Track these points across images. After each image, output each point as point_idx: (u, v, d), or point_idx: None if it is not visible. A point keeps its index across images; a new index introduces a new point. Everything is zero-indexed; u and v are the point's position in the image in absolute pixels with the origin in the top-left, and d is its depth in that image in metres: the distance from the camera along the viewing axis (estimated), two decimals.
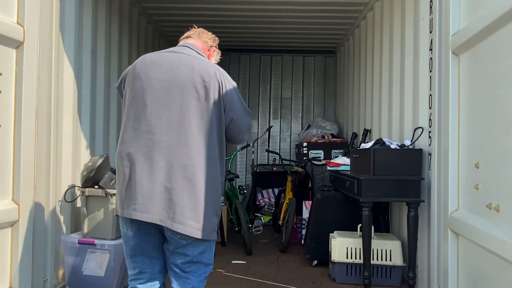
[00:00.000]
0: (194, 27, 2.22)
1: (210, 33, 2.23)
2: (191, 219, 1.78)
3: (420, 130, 3.14)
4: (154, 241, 1.88)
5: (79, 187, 3.27)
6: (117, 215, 1.91)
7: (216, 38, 2.25)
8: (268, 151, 5.92)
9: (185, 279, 1.88)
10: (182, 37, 2.19)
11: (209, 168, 1.85)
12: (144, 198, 1.78)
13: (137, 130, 1.86)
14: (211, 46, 2.20)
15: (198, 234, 1.79)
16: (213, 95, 1.88)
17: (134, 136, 1.87)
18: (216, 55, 2.23)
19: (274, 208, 5.72)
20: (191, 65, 1.91)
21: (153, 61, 1.94)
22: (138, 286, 1.92)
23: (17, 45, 2.59)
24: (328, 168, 4.21)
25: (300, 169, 4.94)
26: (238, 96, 1.97)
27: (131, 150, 1.87)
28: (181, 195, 1.78)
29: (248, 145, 5.65)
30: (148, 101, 1.86)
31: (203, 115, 1.86)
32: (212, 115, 1.88)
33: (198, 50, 2.08)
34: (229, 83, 1.96)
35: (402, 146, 3.17)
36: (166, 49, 2.05)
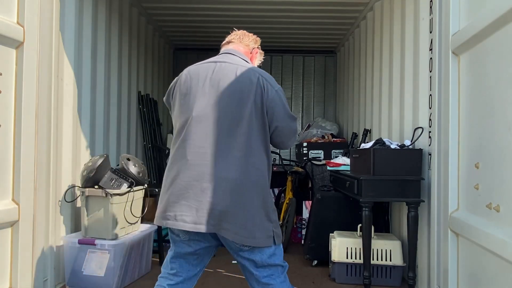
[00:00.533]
0: (235, 30, 2.21)
1: (251, 34, 2.20)
2: (243, 228, 1.82)
3: (420, 130, 3.14)
4: (201, 250, 1.96)
5: (79, 187, 3.27)
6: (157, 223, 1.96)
7: (258, 38, 2.23)
8: None
9: (266, 285, 1.97)
10: (223, 42, 2.18)
11: (256, 176, 1.86)
12: (199, 210, 1.81)
13: (187, 143, 1.87)
14: (253, 48, 2.17)
15: (252, 242, 1.84)
16: (257, 103, 1.88)
17: (184, 150, 1.88)
18: (259, 56, 2.22)
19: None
20: (234, 74, 1.91)
21: (198, 73, 1.96)
22: (166, 286, 1.96)
23: (17, 45, 2.59)
24: (328, 168, 4.21)
25: (300, 169, 4.94)
26: (281, 102, 1.95)
27: (182, 163, 1.87)
28: (233, 205, 1.80)
29: None
30: (195, 114, 1.88)
31: (249, 124, 1.86)
32: (257, 123, 1.88)
33: (241, 55, 2.07)
34: (272, 88, 1.94)
35: (402, 146, 3.17)
36: (209, 58, 2.05)
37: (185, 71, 2.02)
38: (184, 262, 1.97)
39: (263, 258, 1.91)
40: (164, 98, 2.12)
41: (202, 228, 1.80)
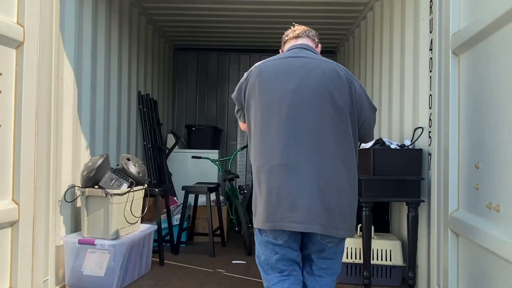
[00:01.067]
0: (294, 25, 2.17)
1: (312, 29, 2.19)
2: (342, 221, 1.85)
3: (420, 130, 3.14)
4: (297, 247, 1.95)
5: (79, 187, 3.27)
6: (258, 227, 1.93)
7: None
8: None
9: (322, 278, 1.99)
10: (288, 37, 2.13)
11: (349, 171, 1.88)
12: (299, 209, 1.79)
13: (277, 142, 1.84)
14: (318, 43, 2.16)
15: (345, 235, 1.88)
16: (346, 98, 1.88)
17: (274, 148, 1.84)
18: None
19: None
20: (321, 69, 1.89)
21: (278, 69, 1.90)
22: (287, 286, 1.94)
23: (17, 45, 2.59)
24: None
25: None
26: (366, 95, 1.98)
27: (274, 163, 1.83)
28: (331, 200, 1.82)
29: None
30: (285, 112, 1.83)
31: (340, 120, 1.86)
32: (347, 118, 1.89)
33: (314, 50, 2.05)
34: (357, 82, 1.95)
35: (402, 146, 3.17)
36: (283, 54, 2.00)
37: (261, 66, 1.94)
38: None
39: (337, 253, 1.99)
40: (234, 95, 2.03)
41: (316, 229, 1.82)
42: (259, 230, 1.95)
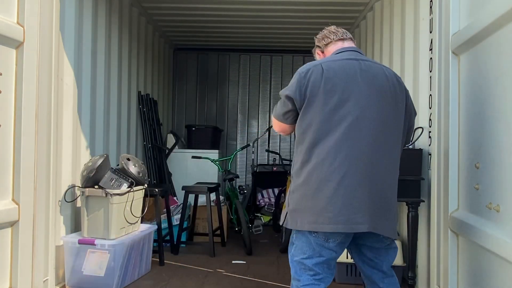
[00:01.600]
0: (330, 26, 2.17)
1: None
2: (394, 222, 1.96)
3: (420, 130, 3.14)
4: (342, 251, 1.98)
5: (79, 187, 3.27)
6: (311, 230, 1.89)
7: None
8: (268, 151, 5.92)
9: (392, 278, 2.15)
10: (332, 39, 2.10)
11: (396, 175, 1.98)
12: (361, 210, 1.83)
13: (343, 142, 1.84)
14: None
15: (395, 235, 2.00)
16: (403, 103, 1.95)
17: (339, 148, 1.84)
18: None
19: (274, 208, 5.72)
20: (384, 74, 1.93)
21: (344, 70, 1.90)
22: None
23: (17, 45, 2.59)
24: None
25: None
26: (412, 101, 2.06)
27: (338, 163, 1.83)
28: (387, 202, 1.91)
29: (248, 145, 5.65)
30: (357, 114, 1.85)
31: (398, 124, 1.94)
32: (402, 123, 1.96)
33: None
34: (407, 89, 2.03)
35: None
36: (340, 55, 1.99)
37: (324, 66, 1.90)
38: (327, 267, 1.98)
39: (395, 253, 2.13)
40: (289, 92, 1.93)
41: (379, 229, 1.88)
42: (309, 230, 1.90)
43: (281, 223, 2.06)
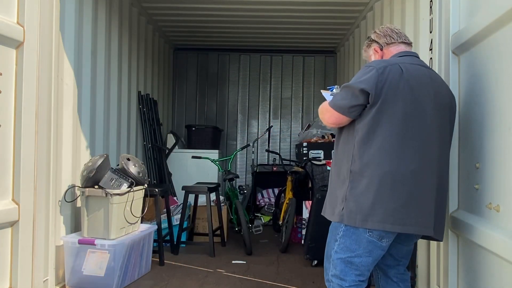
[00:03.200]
0: (391, 25, 2.16)
1: None
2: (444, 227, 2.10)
3: None
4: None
5: (79, 187, 3.27)
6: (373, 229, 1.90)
7: None
8: (268, 151, 5.92)
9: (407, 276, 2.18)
10: (395, 40, 2.08)
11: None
12: (426, 212, 1.91)
13: (418, 147, 1.90)
14: None
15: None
16: (455, 116, 2.09)
17: (415, 152, 1.89)
18: None
19: (274, 208, 5.72)
20: (443, 85, 2.05)
21: (419, 75, 1.93)
22: None
23: (17, 45, 2.59)
24: (328, 168, 4.20)
25: (300, 169, 4.93)
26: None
27: (415, 167, 1.88)
28: (442, 206, 2.04)
29: (248, 145, 5.65)
30: (425, 119, 1.91)
31: (449, 136, 2.07)
32: (450, 135, 2.08)
33: None
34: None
35: None
36: (409, 59, 1.99)
37: (402, 67, 1.88)
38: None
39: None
40: (366, 86, 1.84)
41: (438, 234, 2.01)
42: (365, 228, 1.87)
43: (326, 216, 2.06)
